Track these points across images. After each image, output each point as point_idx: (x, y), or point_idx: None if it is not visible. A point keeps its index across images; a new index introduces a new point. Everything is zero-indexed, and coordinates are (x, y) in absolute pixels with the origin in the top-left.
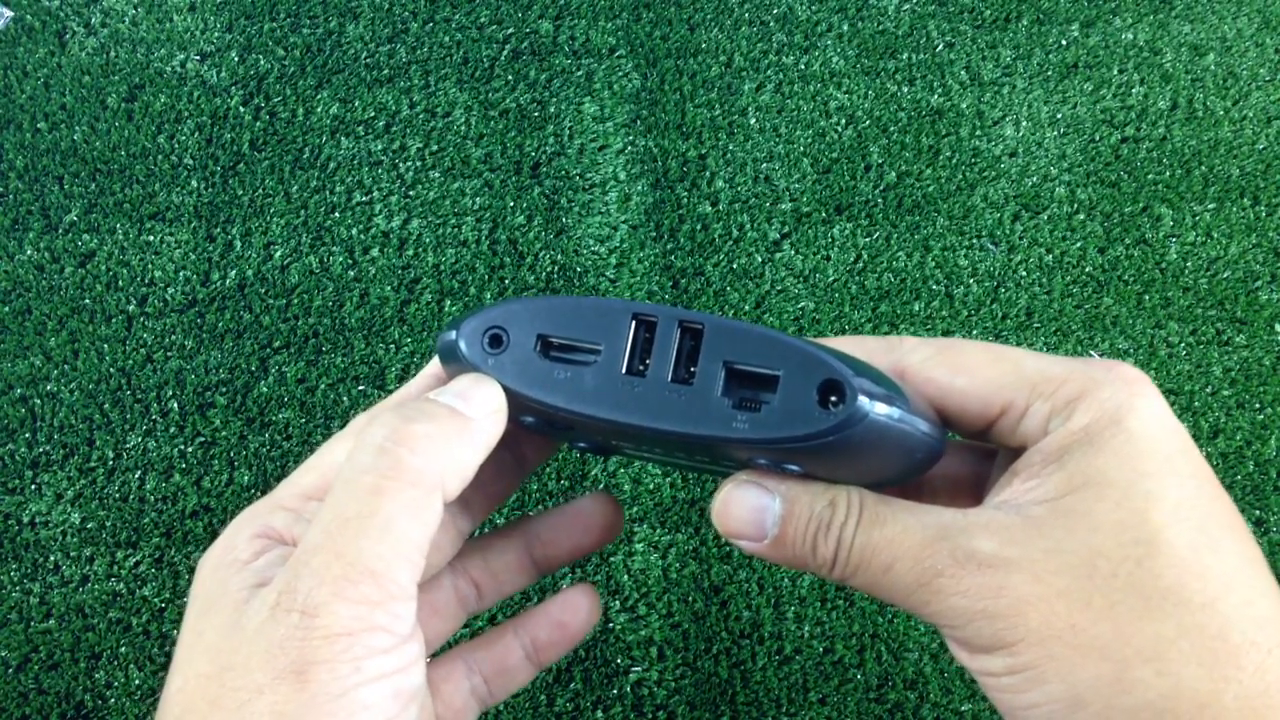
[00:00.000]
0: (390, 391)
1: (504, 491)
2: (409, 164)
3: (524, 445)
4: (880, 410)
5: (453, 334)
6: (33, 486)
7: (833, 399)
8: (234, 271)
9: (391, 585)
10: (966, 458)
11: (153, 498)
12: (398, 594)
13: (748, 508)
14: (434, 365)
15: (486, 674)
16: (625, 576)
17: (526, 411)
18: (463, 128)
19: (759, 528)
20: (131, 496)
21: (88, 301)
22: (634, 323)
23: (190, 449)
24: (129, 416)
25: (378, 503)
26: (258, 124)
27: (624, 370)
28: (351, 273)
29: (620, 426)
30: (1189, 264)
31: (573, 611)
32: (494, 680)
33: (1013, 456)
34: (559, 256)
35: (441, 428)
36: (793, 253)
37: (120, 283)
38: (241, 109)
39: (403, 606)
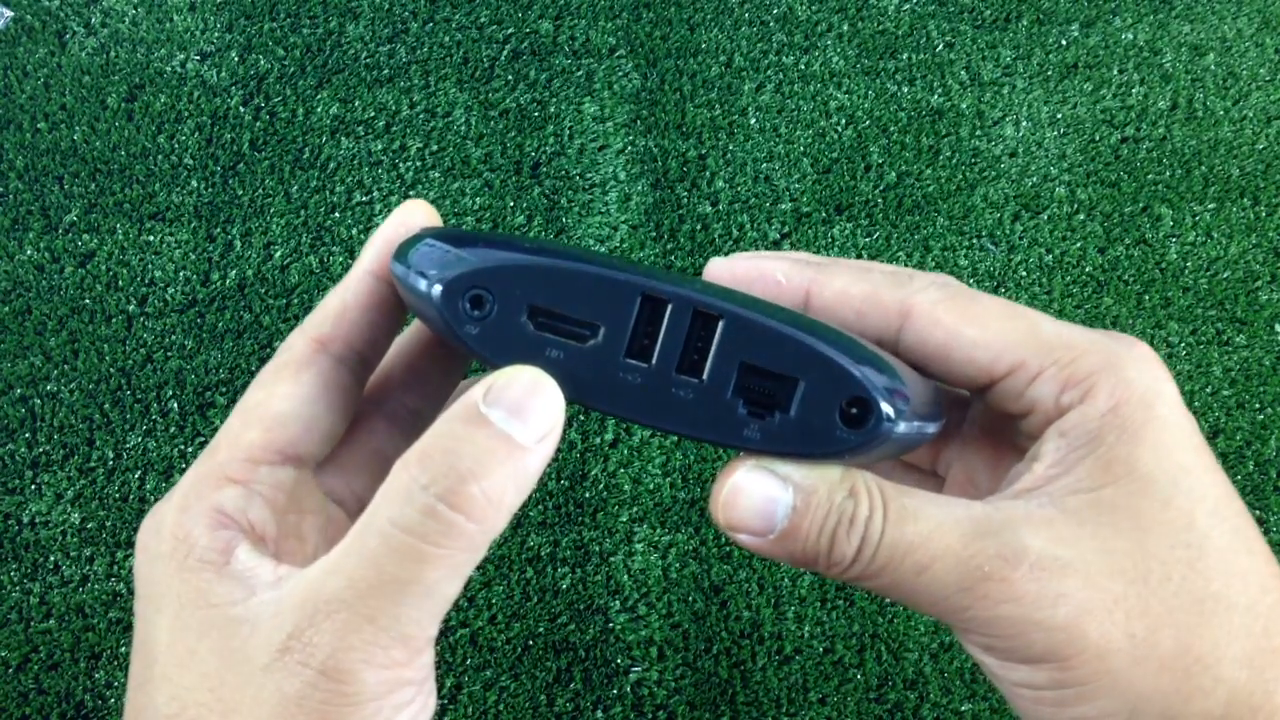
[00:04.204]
0: None
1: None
2: (409, 164)
3: None
4: (902, 428)
5: (422, 283)
6: (33, 486)
7: (855, 411)
8: (234, 271)
9: (420, 643)
10: None
11: (153, 498)
12: (424, 648)
13: (758, 498)
14: (370, 261)
15: None
16: (625, 576)
17: None
18: (463, 128)
19: (767, 521)
20: (131, 496)
21: (88, 301)
22: (641, 303)
23: (190, 449)
24: (129, 416)
25: (421, 570)
26: (258, 124)
27: (625, 356)
28: None
29: (617, 417)
30: (1189, 264)
31: None
32: None
33: (996, 414)
34: None
35: (499, 480)
36: None
37: (120, 283)
38: (241, 109)
39: (427, 656)
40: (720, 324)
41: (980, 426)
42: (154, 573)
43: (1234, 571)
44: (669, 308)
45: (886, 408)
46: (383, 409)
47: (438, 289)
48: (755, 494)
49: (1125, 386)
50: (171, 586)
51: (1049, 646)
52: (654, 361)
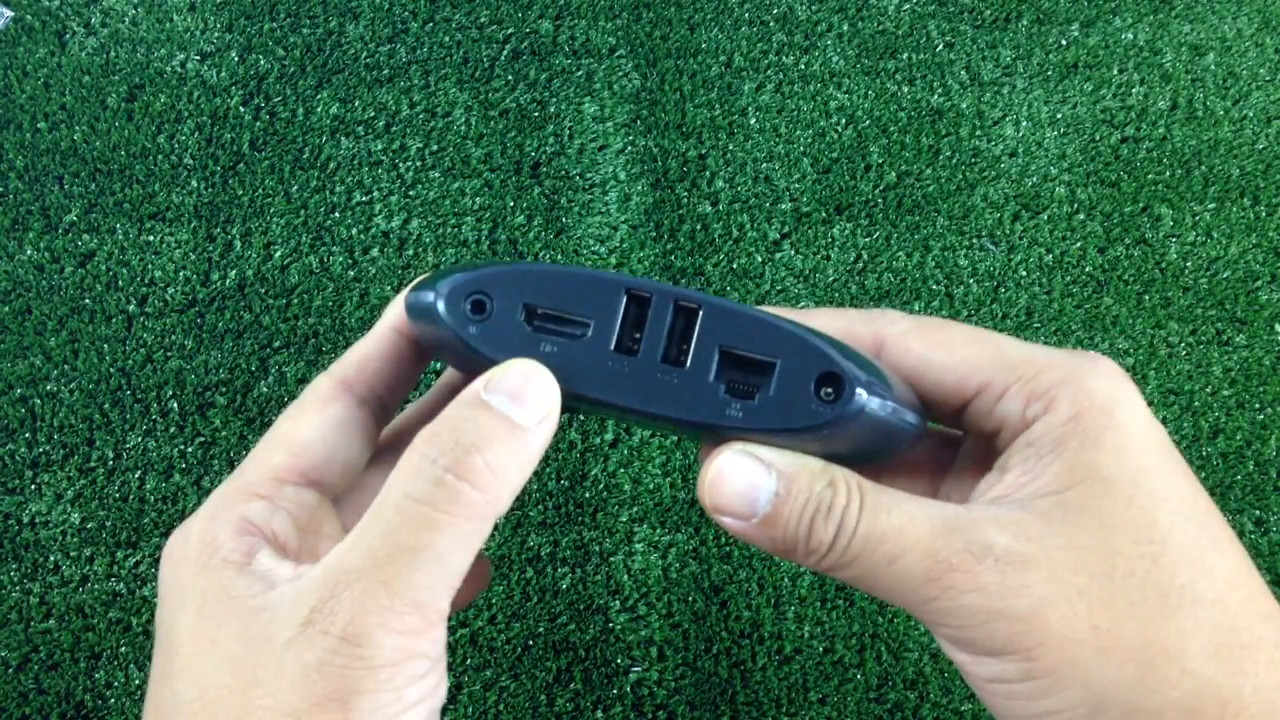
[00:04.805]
0: None
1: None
2: (409, 164)
3: None
4: (875, 405)
5: (430, 295)
6: (33, 486)
7: (829, 391)
8: (234, 271)
9: (434, 614)
10: (926, 442)
11: (153, 498)
12: (437, 620)
13: (741, 483)
14: (393, 317)
15: None
16: (625, 576)
17: None
18: (463, 128)
19: (749, 505)
20: (131, 496)
21: (88, 301)
22: (626, 299)
23: (190, 449)
24: (129, 416)
25: (432, 537)
26: (258, 124)
27: (613, 348)
28: (351, 273)
29: (609, 406)
30: (1189, 264)
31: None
32: None
33: (982, 443)
34: (559, 256)
35: (501, 454)
36: (793, 253)
37: (120, 283)
38: (241, 109)
39: (440, 630)
40: (700, 313)
41: (972, 460)
42: (178, 574)
43: (1199, 568)
44: (652, 301)
45: (858, 384)
46: (397, 456)
47: (443, 296)
48: (739, 478)
49: (1086, 396)
50: (195, 584)
51: (1012, 636)
52: (640, 352)
